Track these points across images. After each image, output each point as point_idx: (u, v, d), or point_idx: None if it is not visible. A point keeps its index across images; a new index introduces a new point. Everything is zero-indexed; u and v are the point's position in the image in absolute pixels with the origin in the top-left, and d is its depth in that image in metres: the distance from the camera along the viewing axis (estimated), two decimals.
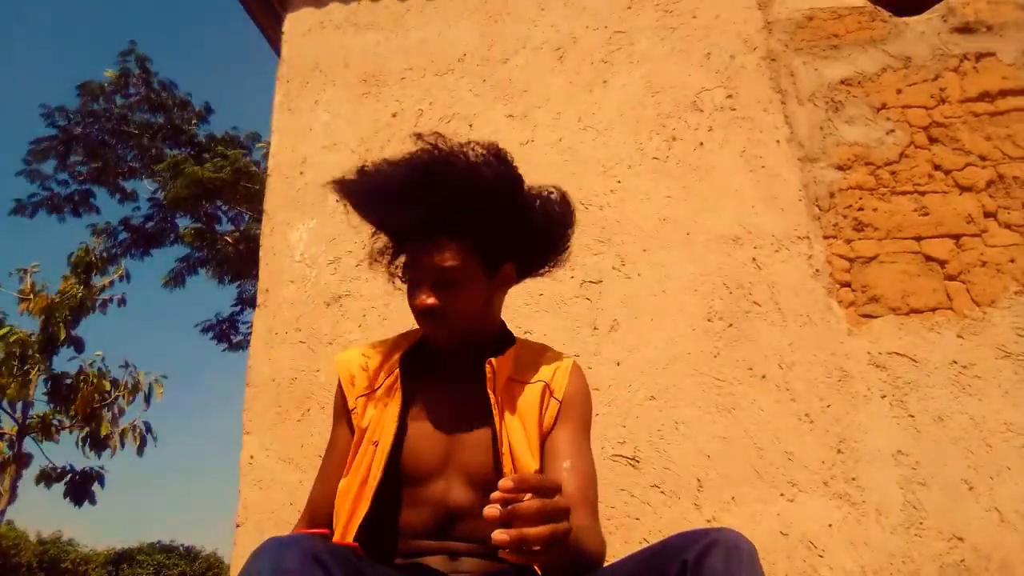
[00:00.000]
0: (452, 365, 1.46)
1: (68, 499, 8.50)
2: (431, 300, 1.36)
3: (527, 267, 1.52)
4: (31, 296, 8.21)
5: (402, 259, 1.54)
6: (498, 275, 1.44)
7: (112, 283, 8.96)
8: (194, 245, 12.70)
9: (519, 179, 1.43)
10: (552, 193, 1.49)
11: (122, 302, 9.01)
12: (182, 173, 11.71)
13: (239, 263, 12.28)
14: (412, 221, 1.37)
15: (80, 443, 8.29)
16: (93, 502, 8.59)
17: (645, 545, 1.36)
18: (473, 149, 1.40)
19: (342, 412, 1.50)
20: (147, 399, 8.64)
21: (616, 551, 1.42)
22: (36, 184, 13.19)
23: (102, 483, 8.65)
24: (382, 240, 1.56)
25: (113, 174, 13.49)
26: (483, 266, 1.40)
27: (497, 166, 1.39)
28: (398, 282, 1.57)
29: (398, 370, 1.44)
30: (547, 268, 1.56)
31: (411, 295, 1.41)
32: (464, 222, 1.35)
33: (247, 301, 12.71)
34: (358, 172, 1.50)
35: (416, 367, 1.46)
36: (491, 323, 1.50)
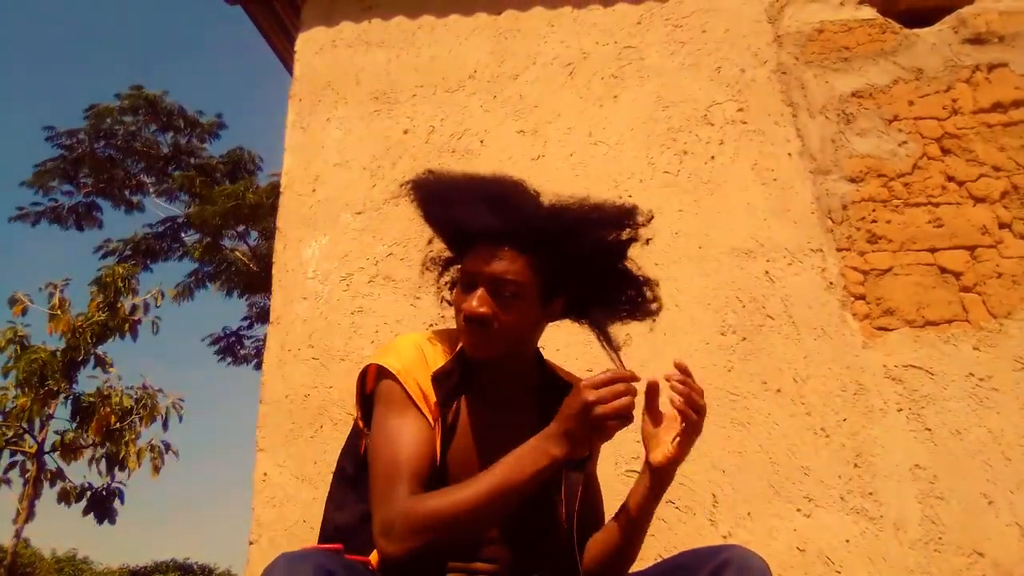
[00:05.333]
0: (496, 388, 1.43)
1: (92, 516, 8.49)
2: (484, 308, 1.34)
3: (575, 311, 1.50)
4: (58, 313, 8.23)
5: (452, 272, 1.52)
6: (550, 306, 1.43)
7: (147, 307, 8.87)
8: (202, 260, 12.70)
9: (621, 243, 1.43)
10: (651, 282, 1.49)
11: (155, 328, 8.92)
12: (230, 198, 11.65)
13: (250, 277, 12.27)
14: (488, 223, 1.35)
15: (96, 463, 8.30)
16: (113, 520, 8.59)
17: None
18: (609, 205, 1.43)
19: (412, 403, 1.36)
20: (165, 423, 8.61)
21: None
22: (39, 193, 13.05)
23: (122, 499, 8.65)
24: (438, 248, 1.54)
25: (120, 187, 13.45)
26: (540, 291, 1.39)
27: (608, 221, 1.41)
28: (444, 296, 1.53)
29: (444, 386, 1.39)
30: (597, 323, 1.52)
31: (461, 300, 1.37)
32: (539, 242, 1.36)
33: (258, 317, 12.67)
34: (433, 172, 1.51)
35: (460, 383, 1.42)
36: (529, 350, 1.49)
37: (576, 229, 1.36)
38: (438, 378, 1.38)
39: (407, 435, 1.30)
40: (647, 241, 1.47)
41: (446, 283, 1.54)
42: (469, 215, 1.37)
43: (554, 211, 1.38)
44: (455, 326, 1.47)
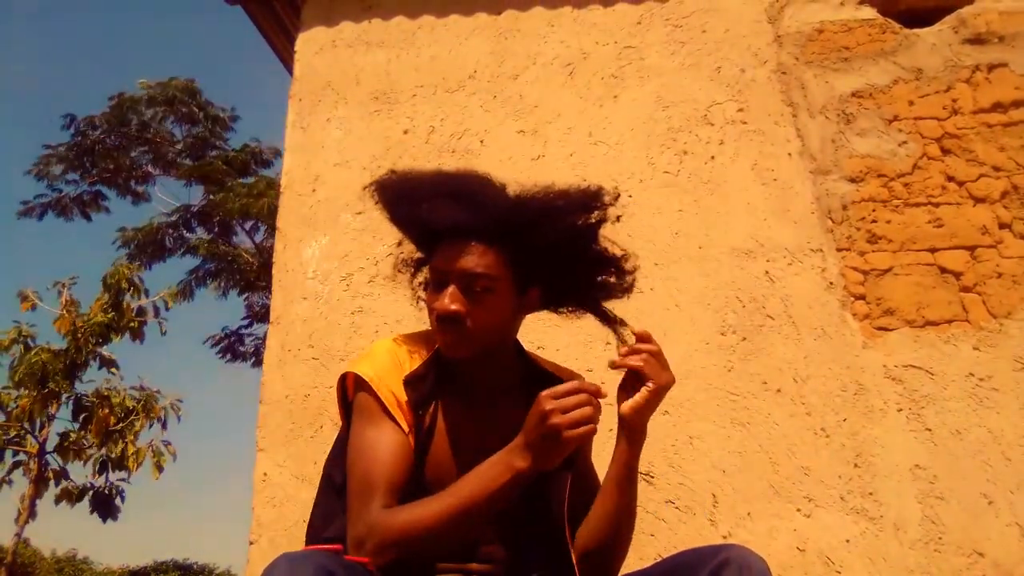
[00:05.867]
0: (478, 386, 1.42)
1: (93, 516, 8.50)
2: (456, 306, 1.31)
3: (553, 299, 1.47)
4: (64, 313, 8.21)
5: (425, 272, 1.49)
6: (525, 297, 1.40)
7: (157, 310, 8.84)
8: (205, 257, 12.61)
9: (591, 226, 1.40)
10: (625, 256, 1.46)
11: (163, 329, 8.91)
12: (254, 189, 11.54)
13: (251, 275, 12.20)
14: (453, 218, 1.33)
15: (96, 464, 8.30)
16: (115, 517, 8.60)
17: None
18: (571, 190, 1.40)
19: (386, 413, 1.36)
20: (163, 424, 8.60)
21: (629, 567, 1.40)
22: (43, 183, 12.84)
23: (123, 497, 8.66)
24: (408, 249, 1.52)
25: (125, 177, 13.28)
26: (512, 282, 1.36)
27: (575, 206, 1.38)
28: (421, 301, 1.51)
29: (418, 390, 1.37)
30: (575, 310, 1.50)
31: (434, 299, 1.35)
32: (507, 234, 1.33)
33: (257, 315, 12.59)
34: (396, 172, 1.50)
35: (436, 385, 1.39)
36: (508, 343, 1.46)
37: (543, 217, 1.34)
38: (410, 382, 1.36)
39: (381, 447, 1.29)
40: (617, 218, 1.44)
41: (420, 284, 1.52)
42: (434, 212, 1.35)
43: (519, 201, 1.36)
44: (416, 331, 1.47)
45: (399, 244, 1.53)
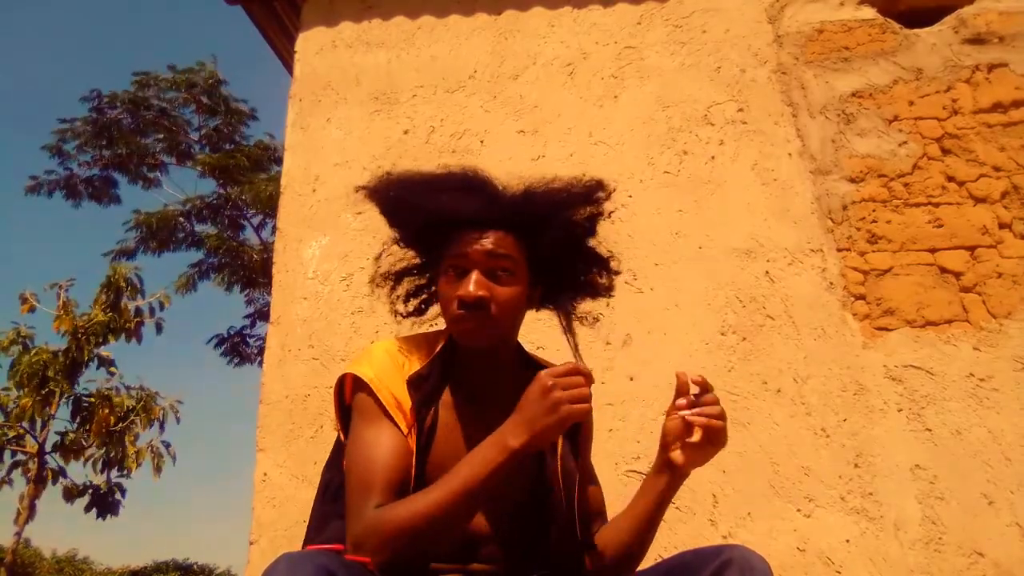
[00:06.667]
0: (482, 385, 1.41)
1: (93, 515, 8.52)
2: (483, 291, 1.31)
3: (549, 298, 1.49)
4: (62, 314, 8.21)
5: (406, 284, 1.52)
6: (535, 290, 1.42)
7: (153, 310, 8.85)
8: (209, 251, 12.51)
9: (591, 218, 1.43)
10: (612, 256, 1.49)
11: (160, 329, 8.92)
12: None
13: (254, 272, 12.13)
14: (472, 207, 1.34)
15: (95, 464, 8.31)
16: (116, 512, 8.61)
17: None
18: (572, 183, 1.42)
19: (386, 414, 1.35)
20: (162, 425, 8.61)
21: None
22: (56, 160, 12.56)
23: (123, 494, 8.67)
24: (388, 262, 1.53)
25: (137, 162, 13.01)
26: (529, 274, 1.38)
27: (579, 200, 1.40)
28: (399, 310, 1.54)
29: (421, 390, 1.36)
30: (559, 307, 1.52)
31: (455, 288, 1.33)
32: (521, 225, 1.36)
33: (260, 314, 12.51)
34: (392, 174, 1.50)
35: (439, 385, 1.39)
36: (514, 339, 1.46)
37: (551, 209, 1.37)
38: (413, 382, 1.36)
39: (380, 447, 1.29)
40: (610, 214, 1.48)
41: (399, 296, 1.54)
42: (452, 202, 1.36)
43: (528, 193, 1.39)
44: (414, 334, 1.47)
45: (377, 259, 1.54)
